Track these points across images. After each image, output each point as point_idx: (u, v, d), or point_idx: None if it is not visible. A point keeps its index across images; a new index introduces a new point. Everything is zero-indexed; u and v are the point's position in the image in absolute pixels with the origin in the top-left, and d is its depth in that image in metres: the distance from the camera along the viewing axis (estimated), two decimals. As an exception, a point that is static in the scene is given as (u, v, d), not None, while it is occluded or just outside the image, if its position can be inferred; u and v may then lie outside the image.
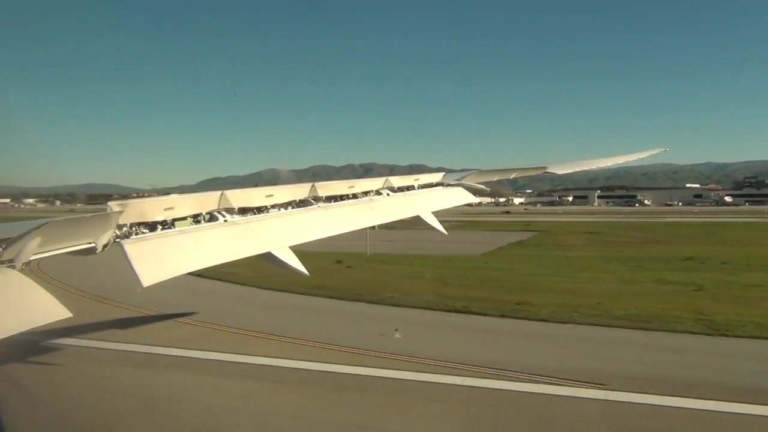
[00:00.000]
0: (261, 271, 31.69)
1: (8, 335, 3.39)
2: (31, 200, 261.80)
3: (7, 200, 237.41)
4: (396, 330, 17.34)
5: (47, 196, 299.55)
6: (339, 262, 37.02)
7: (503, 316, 20.66)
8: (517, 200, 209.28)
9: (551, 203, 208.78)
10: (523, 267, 35.48)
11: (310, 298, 24.79)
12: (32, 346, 15.88)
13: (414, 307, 22.62)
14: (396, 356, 15.37)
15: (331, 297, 24.88)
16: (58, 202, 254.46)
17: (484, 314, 20.93)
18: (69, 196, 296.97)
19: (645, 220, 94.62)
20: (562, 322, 19.53)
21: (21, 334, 3.45)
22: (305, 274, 5.76)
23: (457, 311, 21.62)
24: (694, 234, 63.40)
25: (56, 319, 3.72)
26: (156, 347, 16.74)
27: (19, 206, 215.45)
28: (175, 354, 16.22)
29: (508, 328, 19.37)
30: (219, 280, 28.52)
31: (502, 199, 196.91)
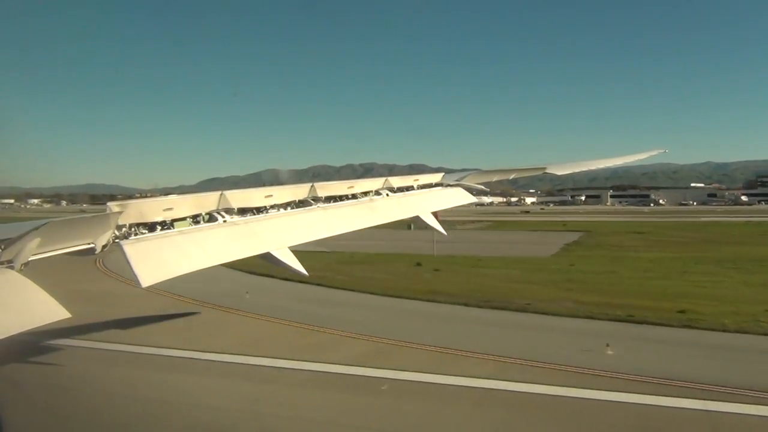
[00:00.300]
0: (349, 273, 30.34)
1: (7, 336, 3.39)
2: (36, 201, 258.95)
3: (11, 201, 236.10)
4: (607, 345, 15.32)
5: (50, 197, 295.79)
6: (419, 264, 35.30)
7: (687, 326, 18.15)
8: (528, 200, 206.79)
9: (563, 203, 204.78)
10: (622, 270, 32.71)
11: (444, 306, 22.54)
12: (32, 346, 15.72)
13: (571, 316, 20.13)
14: (631, 377, 13.24)
15: (465, 305, 22.43)
16: (64, 203, 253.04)
17: (662, 324, 18.47)
18: (71, 196, 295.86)
19: (678, 219, 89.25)
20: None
21: (20, 334, 3.46)
22: (304, 274, 5.77)
23: (623, 320, 19.23)
24: (748, 234, 60.14)
25: (55, 320, 3.73)
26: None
27: (25, 206, 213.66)
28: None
29: (717, 341, 16.71)
30: (306, 283, 25.70)
31: (513, 199, 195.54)
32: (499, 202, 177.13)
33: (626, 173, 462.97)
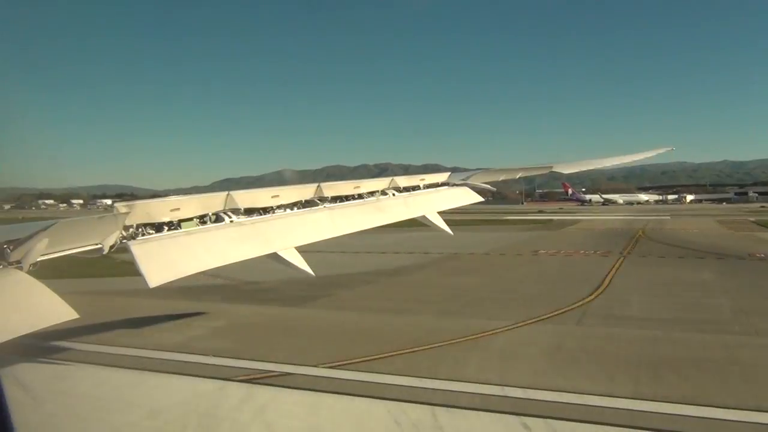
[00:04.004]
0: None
1: (16, 336, 3.40)
2: (108, 201, 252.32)
3: (80, 201, 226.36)
4: None
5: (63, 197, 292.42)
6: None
7: None
8: (688, 197, 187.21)
9: (720, 201, 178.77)
10: None
11: None
12: (40, 347, 15.68)
13: None
14: None
15: None
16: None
17: None
18: (131, 196, 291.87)
19: None
20: None
21: (28, 335, 3.46)
22: (311, 275, 5.73)
23: None
24: None
25: (63, 320, 3.74)
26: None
27: (97, 206, 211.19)
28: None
29: None
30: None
31: (671, 197, 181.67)
32: (656, 201, 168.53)
33: (644, 171, 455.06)
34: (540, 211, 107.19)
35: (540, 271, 27.22)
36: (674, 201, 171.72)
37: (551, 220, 78.18)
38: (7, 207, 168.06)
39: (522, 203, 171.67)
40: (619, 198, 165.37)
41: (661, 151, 13.05)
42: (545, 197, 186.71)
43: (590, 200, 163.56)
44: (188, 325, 18.20)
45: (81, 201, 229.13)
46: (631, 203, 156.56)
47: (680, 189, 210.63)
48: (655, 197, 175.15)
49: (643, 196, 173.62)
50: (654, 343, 13.00)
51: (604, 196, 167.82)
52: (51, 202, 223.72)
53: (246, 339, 15.05)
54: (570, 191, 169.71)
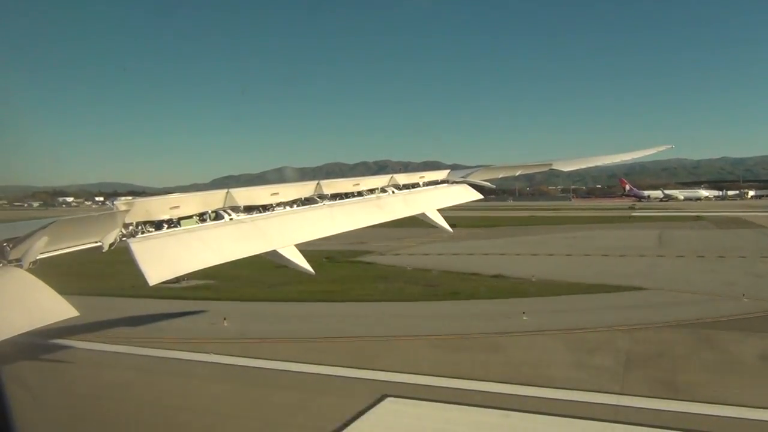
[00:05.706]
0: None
1: (16, 334, 3.38)
2: (129, 198, 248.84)
3: (101, 198, 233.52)
4: None
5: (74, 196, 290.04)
6: None
7: None
8: (750, 193, 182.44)
9: None
10: None
11: None
12: (40, 344, 15.51)
13: None
14: None
15: None
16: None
17: None
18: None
19: None
20: None
21: (28, 333, 3.44)
22: (311, 273, 5.70)
23: None
24: None
25: (63, 318, 3.71)
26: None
27: None
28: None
29: None
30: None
31: (731, 192, 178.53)
32: (715, 196, 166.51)
33: (644, 169, 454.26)
34: (631, 207, 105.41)
35: None
36: (734, 197, 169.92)
37: (700, 216, 75.83)
38: (36, 204, 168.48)
39: (570, 200, 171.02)
40: (679, 194, 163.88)
41: (660, 148, 13.03)
42: (591, 194, 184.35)
43: (649, 196, 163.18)
44: None
45: (102, 198, 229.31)
46: (691, 199, 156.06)
47: (729, 185, 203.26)
48: (715, 193, 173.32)
49: (704, 192, 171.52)
50: None
51: (666, 191, 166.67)
52: (71, 199, 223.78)
53: None
54: (627, 187, 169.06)
